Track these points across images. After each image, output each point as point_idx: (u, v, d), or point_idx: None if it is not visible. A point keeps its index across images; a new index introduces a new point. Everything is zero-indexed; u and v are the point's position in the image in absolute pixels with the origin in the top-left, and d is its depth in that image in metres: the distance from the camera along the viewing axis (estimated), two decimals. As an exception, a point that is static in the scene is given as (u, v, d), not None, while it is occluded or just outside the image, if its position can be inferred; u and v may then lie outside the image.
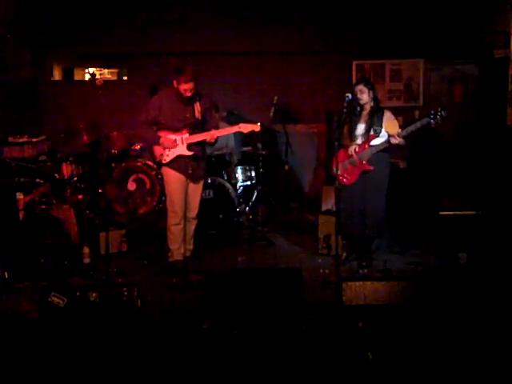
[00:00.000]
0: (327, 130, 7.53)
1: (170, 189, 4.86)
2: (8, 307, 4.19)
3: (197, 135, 4.73)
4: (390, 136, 4.73)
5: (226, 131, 4.98)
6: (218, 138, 4.91)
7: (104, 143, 6.39)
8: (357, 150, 4.87)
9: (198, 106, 4.75)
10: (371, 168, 4.82)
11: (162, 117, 4.76)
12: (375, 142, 4.83)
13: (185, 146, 4.74)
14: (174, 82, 4.64)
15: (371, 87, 4.87)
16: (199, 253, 5.29)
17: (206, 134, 4.73)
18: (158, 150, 4.79)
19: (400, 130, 4.73)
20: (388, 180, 4.95)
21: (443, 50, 7.42)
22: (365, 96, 4.83)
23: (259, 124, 4.77)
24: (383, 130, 4.81)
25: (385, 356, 3.29)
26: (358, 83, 4.96)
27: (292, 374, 3.20)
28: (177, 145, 4.74)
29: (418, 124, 4.68)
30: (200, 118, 4.76)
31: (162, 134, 4.77)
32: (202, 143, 4.86)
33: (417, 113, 7.43)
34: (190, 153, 4.75)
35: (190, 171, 4.79)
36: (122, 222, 5.98)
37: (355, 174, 4.90)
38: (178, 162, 4.77)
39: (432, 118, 4.60)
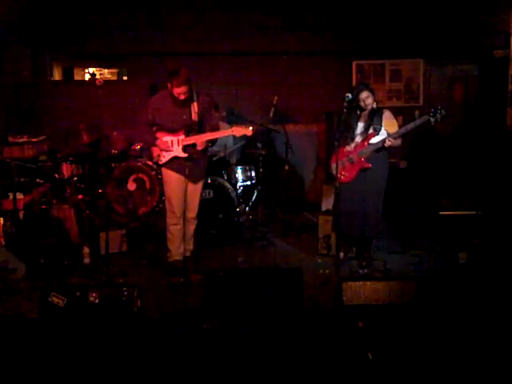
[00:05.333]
0: (327, 129, 7.53)
1: (168, 189, 4.87)
2: (8, 307, 4.19)
3: (193, 137, 4.73)
4: (386, 137, 4.75)
5: (219, 134, 4.90)
6: (216, 139, 4.92)
7: (104, 143, 6.39)
8: (356, 147, 4.88)
9: (195, 107, 4.74)
10: (369, 165, 4.82)
11: (159, 118, 4.77)
12: (374, 140, 4.84)
13: (180, 147, 4.74)
14: (169, 85, 4.64)
15: (372, 90, 4.89)
16: (199, 253, 5.29)
17: (199, 136, 4.72)
18: (155, 150, 4.82)
19: (398, 129, 4.78)
20: (386, 180, 4.96)
21: (443, 49, 7.42)
22: (370, 100, 4.82)
23: (251, 128, 4.74)
24: (382, 128, 4.84)
25: (385, 356, 3.29)
26: (361, 90, 4.81)
27: (292, 374, 3.20)
28: (172, 147, 4.75)
29: (417, 122, 4.72)
30: (197, 119, 4.75)
31: (159, 135, 4.79)
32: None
33: (417, 113, 7.43)
34: (185, 155, 4.75)
35: (187, 172, 4.78)
36: (122, 222, 5.98)
37: (353, 172, 4.90)
38: (174, 163, 4.79)
39: (431, 116, 4.63)
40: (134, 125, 4.96)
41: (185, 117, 4.74)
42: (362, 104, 4.81)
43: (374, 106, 4.88)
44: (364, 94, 4.80)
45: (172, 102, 4.70)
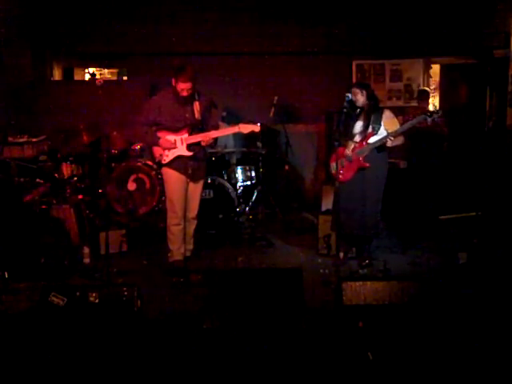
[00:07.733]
0: (327, 129, 7.53)
1: (169, 189, 4.87)
2: (8, 307, 4.18)
3: (196, 135, 4.73)
4: (386, 136, 4.76)
5: (226, 132, 4.98)
6: (217, 138, 4.93)
7: (104, 143, 6.39)
8: (355, 147, 4.89)
9: (197, 106, 4.74)
10: (367, 165, 4.83)
11: (161, 118, 4.76)
12: (373, 139, 4.85)
13: (184, 146, 4.74)
14: (173, 80, 4.64)
15: (364, 87, 4.89)
16: (199, 253, 5.29)
17: (205, 134, 4.72)
18: (157, 150, 4.80)
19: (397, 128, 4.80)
20: (385, 180, 4.96)
21: (443, 49, 7.43)
22: (359, 97, 4.85)
23: (259, 124, 4.77)
24: (382, 127, 4.85)
25: (385, 356, 3.29)
26: (351, 87, 4.91)
27: (292, 374, 3.20)
28: (176, 145, 4.74)
29: (414, 121, 4.79)
30: (200, 117, 4.75)
31: (161, 134, 4.77)
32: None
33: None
34: (189, 153, 4.74)
35: (190, 171, 4.79)
36: (122, 222, 5.97)
37: (351, 171, 4.91)
38: (177, 162, 4.77)
39: (428, 116, 4.67)
40: (133, 125, 4.96)
41: (187, 115, 4.74)
42: (354, 100, 4.84)
43: (369, 103, 4.87)
44: (352, 91, 4.83)
45: (174, 101, 4.70)
